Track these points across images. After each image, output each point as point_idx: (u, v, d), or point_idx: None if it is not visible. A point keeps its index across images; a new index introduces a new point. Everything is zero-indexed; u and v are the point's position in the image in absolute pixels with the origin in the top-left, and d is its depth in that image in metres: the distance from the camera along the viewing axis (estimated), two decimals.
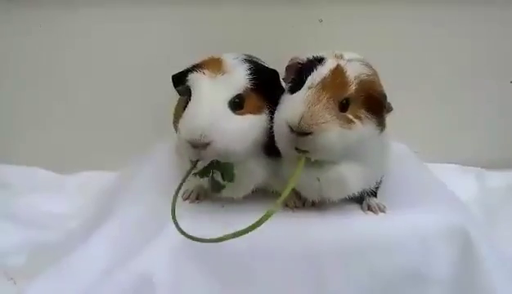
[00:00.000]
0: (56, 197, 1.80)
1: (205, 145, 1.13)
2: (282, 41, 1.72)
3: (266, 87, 1.24)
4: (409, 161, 1.58)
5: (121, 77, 1.95)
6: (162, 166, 1.61)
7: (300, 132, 1.08)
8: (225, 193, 1.28)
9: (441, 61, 1.90)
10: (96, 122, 2.00)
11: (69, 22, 1.89)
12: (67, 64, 1.94)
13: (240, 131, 1.17)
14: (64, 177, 1.95)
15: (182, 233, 1.11)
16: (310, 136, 1.08)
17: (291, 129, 1.10)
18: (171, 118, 1.60)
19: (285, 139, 1.13)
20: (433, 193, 1.41)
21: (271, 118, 1.21)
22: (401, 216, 1.27)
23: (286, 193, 1.06)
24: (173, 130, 1.59)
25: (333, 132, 1.09)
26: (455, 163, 1.95)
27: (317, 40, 1.76)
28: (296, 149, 1.12)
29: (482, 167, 1.95)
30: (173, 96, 1.53)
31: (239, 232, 1.02)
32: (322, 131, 1.08)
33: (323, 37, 1.78)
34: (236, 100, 1.19)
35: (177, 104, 1.55)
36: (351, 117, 1.13)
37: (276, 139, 1.18)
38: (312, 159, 1.14)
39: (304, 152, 1.12)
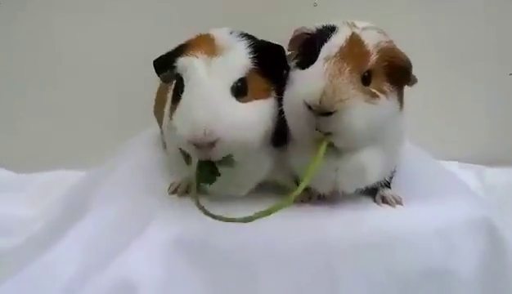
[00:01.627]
0: (16, 198, 1.65)
1: (212, 144, 0.96)
2: (276, 25, 1.60)
3: (271, 66, 1.08)
4: (415, 153, 1.46)
5: (91, 68, 1.85)
6: (141, 160, 1.45)
7: (322, 112, 0.93)
8: (227, 190, 1.13)
9: (439, 54, 1.86)
10: (62, 116, 1.88)
11: (39, 11, 1.78)
12: (31, 56, 1.83)
13: (249, 122, 1.01)
14: (25, 177, 1.80)
15: (206, 213, 0.99)
16: (333, 116, 0.93)
17: (310, 108, 0.94)
18: (149, 109, 1.51)
19: (303, 121, 0.98)
20: (447, 184, 1.30)
21: (279, 102, 1.06)
22: (419, 208, 1.15)
23: (307, 180, 0.94)
24: (154, 121, 1.47)
25: (359, 110, 0.95)
26: (454, 160, 1.89)
27: (312, 24, 1.64)
28: (317, 130, 0.97)
29: (481, 164, 1.90)
30: (150, 85, 1.44)
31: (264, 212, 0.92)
32: (347, 109, 0.93)
33: (317, 21, 1.67)
34: (239, 85, 1.02)
35: (160, 88, 1.41)
36: (375, 91, 0.99)
37: (289, 123, 1.03)
38: (335, 144, 0.99)
39: (326, 134, 0.97)
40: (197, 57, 1.02)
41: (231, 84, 1.01)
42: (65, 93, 1.84)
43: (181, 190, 1.21)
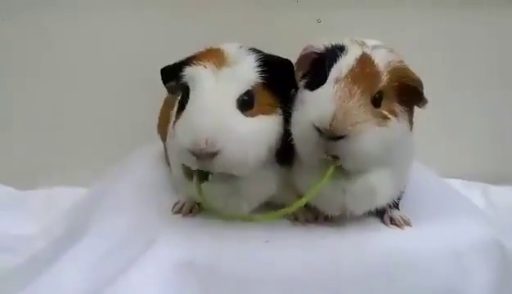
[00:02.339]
0: (17, 215, 1.59)
1: (212, 155, 0.93)
2: (279, 42, 1.59)
3: (279, 82, 1.06)
4: (422, 172, 1.43)
5: (93, 82, 1.81)
6: (143, 176, 1.42)
7: (332, 136, 0.91)
8: (231, 208, 1.09)
9: (442, 70, 1.83)
10: (63, 130, 1.84)
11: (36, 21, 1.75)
12: (29, 66, 1.80)
13: (252, 137, 0.98)
14: (26, 194, 1.74)
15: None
16: (343, 140, 0.92)
17: (320, 132, 0.92)
18: (151, 122, 1.48)
19: (312, 145, 0.95)
20: (455, 204, 1.28)
21: (286, 120, 1.04)
22: (430, 229, 1.13)
23: (306, 199, 0.97)
24: (157, 138, 1.44)
25: (370, 134, 0.93)
26: (459, 179, 1.85)
27: (316, 40, 1.64)
28: (326, 154, 0.95)
29: (486, 182, 1.87)
30: (152, 99, 1.43)
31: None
32: (359, 134, 0.91)
33: (321, 37, 1.67)
34: (245, 98, 1.00)
35: (164, 105, 1.40)
36: (386, 113, 0.97)
37: (297, 145, 1.01)
38: (344, 167, 0.97)
39: (335, 158, 0.95)
40: (205, 67, 1.01)
41: (238, 96, 0.99)
42: (66, 108, 1.81)
43: (185, 210, 1.18)
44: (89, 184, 1.66)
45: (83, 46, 1.78)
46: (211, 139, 0.92)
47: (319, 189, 0.98)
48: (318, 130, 0.92)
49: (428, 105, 1.60)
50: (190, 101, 1.00)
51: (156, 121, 1.47)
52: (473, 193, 1.77)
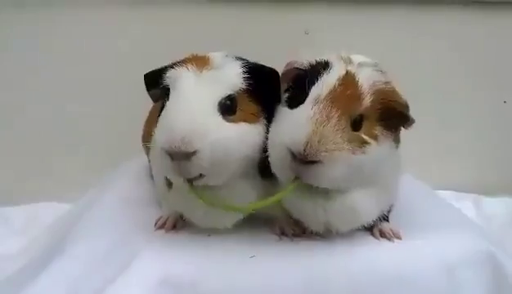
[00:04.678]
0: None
1: (188, 155, 0.89)
2: (266, 54, 1.58)
3: (263, 90, 1.03)
4: (414, 185, 1.42)
5: (77, 97, 1.80)
6: (127, 191, 1.40)
7: (305, 160, 0.89)
8: (212, 223, 1.07)
9: (432, 83, 1.85)
10: (45, 145, 1.82)
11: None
12: (16, 88, 1.79)
13: (232, 144, 0.94)
14: (7, 210, 1.70)
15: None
16: (317, 165, 0.89)
17: (293, 155, 0.90)
18: (135, 137, 1.45)
19: (285, 166, 0.93)
20: (447, 216, 1.26)
21: (268, 130, 1.01)
22: (420, 242, 1.10)
23: (262, 204, 0.98)
24: (142, 151, 1.41)
25: (343, 161, 0.90)
26: (450, 190, 1.85)
27: (303, 52, 1.63)
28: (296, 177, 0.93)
29: (477, 193, 1.85)
30: (140, 114, 1.40)
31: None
32: (331, 161, 0.89)
33: (309, 49, 1.67)
34: (227, 102, 0.97)
35: (149, 116, 1.36)
36: (365, 137, 0.94)
37: (272, 163, 0.98)
38: (314, 185, 0.94)
39: (297, 178, 0.92)
40: (187, 69, 0.99)
41: (219, 99, 0.96)
42: (49, 123, 1.80)
43: (168, 225, 1.14)
44: (74, 199, 1.61)
45: (67, 59, 1.78)
46: (187, 138, 0.89)
47: (275, 201, 0.97)
48: (292, 153, 0.90)
49: (419, 117, 1.58)
50: (169, 101, 0.97)
51: None
52: (465, 204, 1.77)
